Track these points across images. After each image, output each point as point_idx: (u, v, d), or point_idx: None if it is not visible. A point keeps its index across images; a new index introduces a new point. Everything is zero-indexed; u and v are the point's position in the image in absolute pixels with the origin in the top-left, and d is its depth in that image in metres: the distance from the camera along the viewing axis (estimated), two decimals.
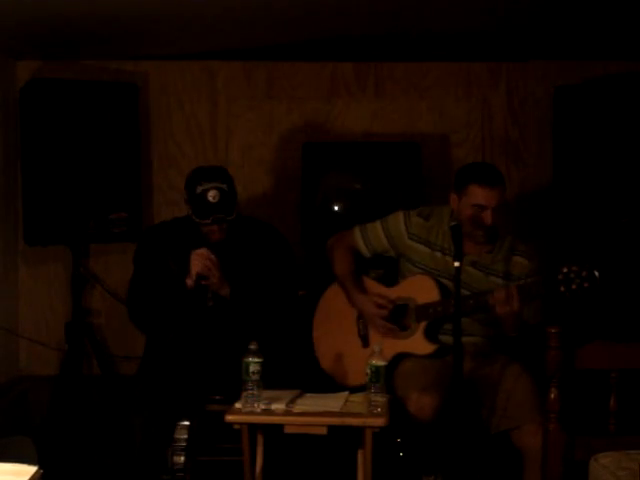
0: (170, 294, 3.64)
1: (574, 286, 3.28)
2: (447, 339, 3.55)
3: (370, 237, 3.76)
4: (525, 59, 4.97)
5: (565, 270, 3.29)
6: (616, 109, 4.47)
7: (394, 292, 3.71)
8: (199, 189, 3.66)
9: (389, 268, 3.85)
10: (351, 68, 5.04)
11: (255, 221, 3.91)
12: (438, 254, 3.62)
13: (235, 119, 5.06)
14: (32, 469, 2.27)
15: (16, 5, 3.69)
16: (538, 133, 4.99)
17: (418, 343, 3.61)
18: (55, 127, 4.49)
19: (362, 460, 3.27)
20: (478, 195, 3.49)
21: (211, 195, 3.63)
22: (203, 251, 3.63)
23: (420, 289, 3.63)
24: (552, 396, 3.15)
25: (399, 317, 3.69)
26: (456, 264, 3.24)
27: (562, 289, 3.30)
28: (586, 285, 3.27)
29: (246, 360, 3.15)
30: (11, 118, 4.74)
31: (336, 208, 4.72)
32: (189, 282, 3.61)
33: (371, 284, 3.77)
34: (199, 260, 3.61)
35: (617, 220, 4.42)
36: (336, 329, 3.80)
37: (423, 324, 3.60)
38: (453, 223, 3.42)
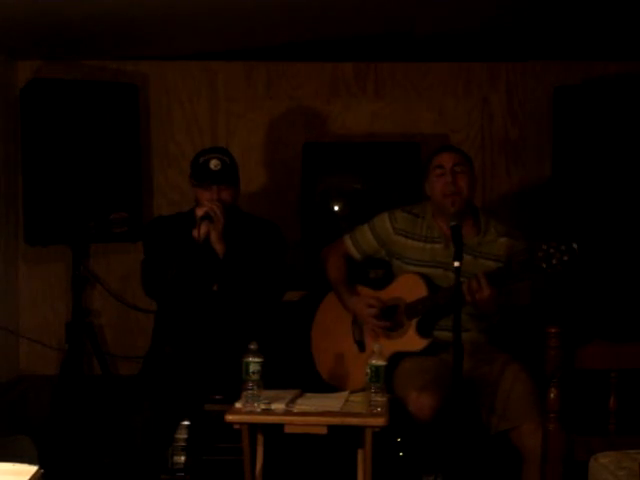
0: (180, 257, 3.70)
1: (554, 261, 3.29)
2: (442, 335, 3.57)
3: (359, 240, 3.83)
4: (525, 59, 4.97)
5: (544, 247, 3.31)
6: (615, 109, 4.47)
7: (384, 295, 3.74)
8: (201, 159, 3.84)
9: (389, 268, 3.87)
10: (351, 68, 5.05)
11: (254, 217, 3.99)
12: (422, 244, 3.68)
13: (235, 119, 5.06)
14: (32, 469, 2.28)
15: (16, 5, 3.70)
16: (538, 133, 4.99)
17: (411, 340, 3.63)
18: (55, 127, 4.49)
19: (362, 460, 3.27)
20: (437, 159, 3.67)
21: (213, 164, 3.80)
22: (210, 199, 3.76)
23: (408, 288, 3.66)
24: (552, 396, 3.15)
25: (391, 319, 3.71)
26: (456, 264, 3.25)
27: (543, 266, 3.31)
28: (566, 258, 3.28)
29: (246, 360, 3.15)
30: (12, 118, 4.74)
31: (336, 208, 4.72)
32: (195, 233, 3.69)
33: (362, 290, 3.81)
34: (206, 203, 3.74)
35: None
36: (333, 337, 3.83)
37: (414, 321, 3.63)
38: (453, 223, 3.44)
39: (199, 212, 3.73)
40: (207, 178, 3.79)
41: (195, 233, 3.68)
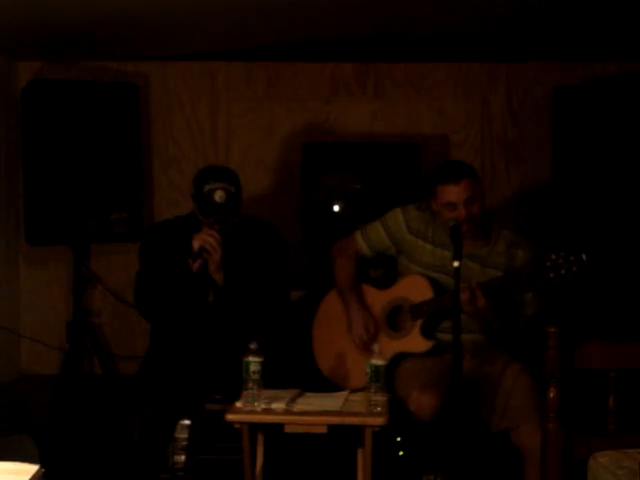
0: (174, 282, 3.66)
1: (563, 271, 3.27)
2: (446, 337, 3.57)
3: (371, 236, 3.79)
4: (524, 60, 4.98)
5: (553, 256, 3.28)
6: (614, 110, 4.48)
7: (389, 294, 3.73)
8: (207, 187, 3.70)
9: (388, 268, 3.87)
10: (351, 68, 5.05)
11: (254, 220, 3.93)
12: (433, 247, 3.66)
13: (235, 119, 5.06)
14: (33, 468, 2.28)
15: (16, 5, 3.70)
16: (537, 133, 4.99)
17: (415, 341, 3.62)
18: (56, 127, 4.50)
19: (362, 459, 3.27)
20: (446, 194, 3.53)
21: (218, 195, 3.67)
22: (206, 229, 3.67)
23: (414, 289, 3.65)
24: (551, 395, 3.16)
25: (395, 318, 3.71)
26: (455, 264, 3.25)
27: (551, 275, 3.29)
28: (575, 269, 3.25)
29: (246, 359, 3.15)
30: (13, 118, 4.75)
31: (336, 208, 4.72)
32: (191, 262, 3.61)
33: (367, 289, 3.80)
34: (202, 236, 3.64)
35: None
36: (335, 334, 3.82)
37: (419, 322, 3.62)
38: (452, 223, 3.44)
39: (195, 245, 3.63)
40: (211, 213, 3.69)
41: (190, 263, 3.61)
